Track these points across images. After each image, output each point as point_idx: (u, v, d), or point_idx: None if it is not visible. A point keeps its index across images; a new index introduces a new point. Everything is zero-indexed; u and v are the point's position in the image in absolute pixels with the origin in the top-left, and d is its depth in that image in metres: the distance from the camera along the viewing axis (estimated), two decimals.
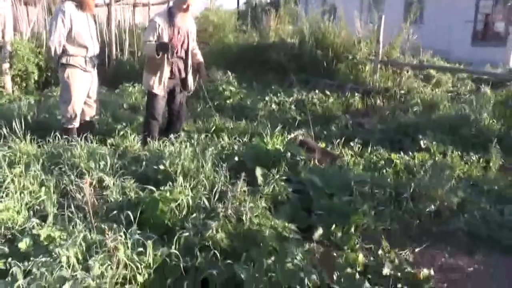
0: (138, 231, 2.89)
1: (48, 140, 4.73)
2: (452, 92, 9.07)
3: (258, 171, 4.06)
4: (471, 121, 6.31)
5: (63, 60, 5.01)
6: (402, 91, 8.59)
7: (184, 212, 3.28)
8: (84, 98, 5.24)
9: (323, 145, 5.57)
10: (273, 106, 7.80)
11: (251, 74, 10.40)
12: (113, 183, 3.72)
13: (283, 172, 4.14)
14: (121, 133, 5.54)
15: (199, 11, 13.81)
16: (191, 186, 3.59)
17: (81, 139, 4.63)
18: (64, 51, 4.98)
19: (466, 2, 18.17)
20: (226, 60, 10.78)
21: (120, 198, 3.58)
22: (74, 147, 4.42)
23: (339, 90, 8.82)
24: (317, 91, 8.58)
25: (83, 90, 5.17)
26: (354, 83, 9.27)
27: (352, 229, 3.57)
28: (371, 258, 3.29)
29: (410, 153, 5.38)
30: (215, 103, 7.97)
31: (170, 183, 3.57)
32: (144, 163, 4.30)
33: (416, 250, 3.56)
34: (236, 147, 4.92)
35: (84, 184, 2.99)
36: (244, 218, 3.07)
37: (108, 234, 2.53)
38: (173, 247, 2.75)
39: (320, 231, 3.50)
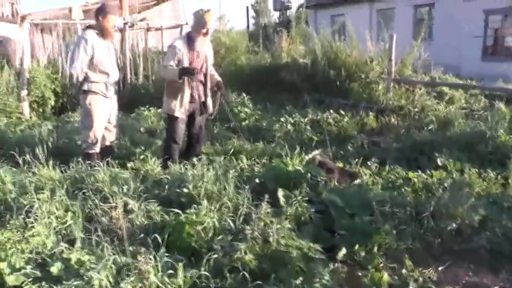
0: (166, 254, 2.96)
1: (71, 166, 4.82)
2: (466, 108, 9.07)
3: (280, 193, 4.11)
4: (487, 137, 6.30)
5: (85, 87, 5.11)
6: (416, 109, 8.61)
7: (210, 234, 3.33)
8: (105, 124, 5.34)
9: (340, 164, 5.61)
10: (289, 126, 7.84)
11: (265, 95, 10.48)
12: (138, 207, 3.79)
13: (305, 193, 4.18)
14: (141, 157, 5.61)
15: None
16: (216, 208, 3.65)
17: (103, 164, 4.70)
18: (86, 78, 5.09)
19: (475, 17, 18.22)
20: (239, 81, 10.88)
21: (146, 222, 3.64)
22: (97, 172, 4.49)
23: (353, 109, 8.86)
24: (331, 110, 8.62)
25: (104, 116, 5.28)
26: (367, 102, 9.30)
27: (375, 249, 3.61)
28: (395, 278, 3.32)
29: (427, 171, 5.39)
30: (231, 125, 8.06)
31: (195, 205, 3.63)
32: (166, 186, 4.37)
33: (439, 268, 3.57)
34: (256, 169, 4.97)
35: (118, 210, 3.05)
36: (271, 239, 3.12)
37: (141, 257, 2.58)
38: (202, 269, 2.81)
39: (343, 251, 3.53)
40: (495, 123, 6.75)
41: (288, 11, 31.93)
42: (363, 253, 3.55)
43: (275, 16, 36.04)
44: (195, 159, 4.88)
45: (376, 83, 9.86)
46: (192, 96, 5.40)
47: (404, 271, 3.37)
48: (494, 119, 6.95)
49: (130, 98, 10.37)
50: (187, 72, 5.12)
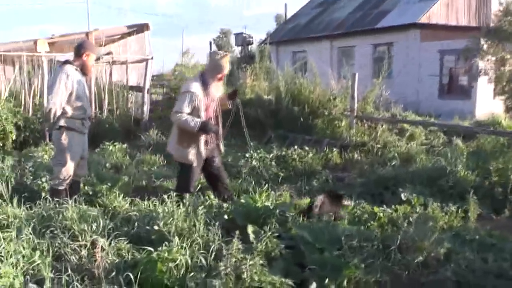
0: None
1: (37, 203, 4.72)
2: (426, 144, 9.37)
3: (250, 229, 4.14)
4: (447, 172, 6.51)
5: (61, 123, 5.06)
6: (378, 145, 8.84)
7: (182, 272, 3.33)
8: (78, 160, 5.28)
9: (307, 200, 5.67)
10: (254, 162, 7.88)
11: (229, 130, 10.52)
12: (108, 245, 3.74)
13: (274, 229, 4.22)
14: (108, 193, 5.54)
15: None
16: (187, 245, 3.64)
17: (71, 201, 4.62)
18: (63, 114, 5.04)
19: (431, 57, 19.00)
20: None
21: (116, 260, 3.60)
22: (65, 209, 4.42)
23: (317, 145, 9.00)
24: (295, 146, 8.72)
25: (78, 152, 5.23)
26: (331, 138, 9.49)
27: (345, 282, 3.66)
28: None
29: (392, 205, 5.50)
30: None
31: (166, 243, 3.62)
32: (136, 223, 4.33)
33: None
34: (224, 205, 4.98)
35: (96, 249, 3.03)
36: (244, 275, 3.14)
37: None
38: None
39: (314, 285, 3.57)
40: (454, 159, 6.99)
41: (249, 47, 32.45)
42: (333, 287, 3.60)
43: (236, 51, 36.66)
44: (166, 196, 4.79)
45: (339, 119, 10.07)
46: (206, 142, 5.29)
47: None
48: (453, 155, 7.20)
49: (94, 133, 10.20)
50: (207, 129, 5.06)
